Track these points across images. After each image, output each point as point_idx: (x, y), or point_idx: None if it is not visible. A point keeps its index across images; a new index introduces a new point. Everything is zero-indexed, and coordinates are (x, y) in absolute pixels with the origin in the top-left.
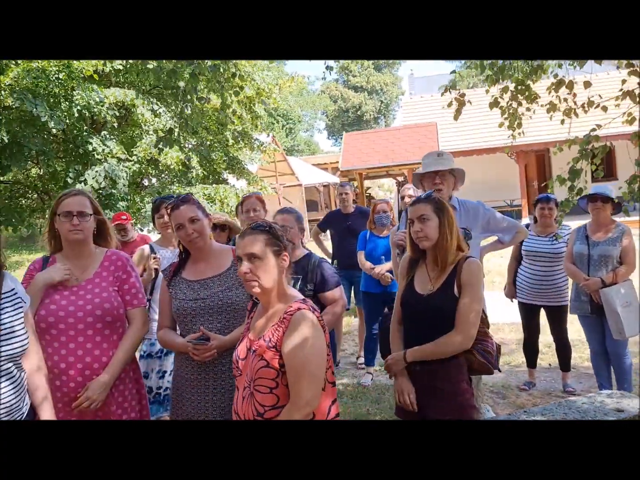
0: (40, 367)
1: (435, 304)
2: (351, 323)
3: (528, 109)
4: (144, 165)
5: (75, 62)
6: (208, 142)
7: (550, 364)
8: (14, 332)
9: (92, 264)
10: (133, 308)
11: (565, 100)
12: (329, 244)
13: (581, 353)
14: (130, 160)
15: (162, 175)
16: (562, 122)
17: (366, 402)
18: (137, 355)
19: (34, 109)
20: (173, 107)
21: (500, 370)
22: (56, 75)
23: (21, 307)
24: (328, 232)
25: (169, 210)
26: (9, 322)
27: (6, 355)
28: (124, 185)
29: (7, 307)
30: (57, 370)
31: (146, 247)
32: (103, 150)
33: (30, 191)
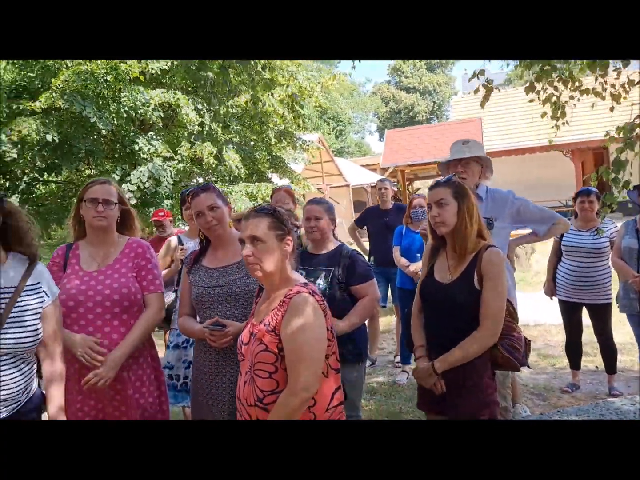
0: (58, 373)
1: (453, 294)
2: (391, 322)
3: (572, 97)
4: (188, 164)
5: (122, 64)
6: (252, 142)
7: (597, 367)
8: (23, 322)
9: (114, 251)
10: (150, 293)
11: (613, 85)
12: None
13: (632, 356)
14: (175, 160)
15: (208, 175)
16: (612, 109)
17: (400, 400)
18: (164, 344)
19: (83, 111)
20: (224, 110)
21: (529, 367)
22: (104, 77)
23: (41, 302)
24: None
25: (189, 199)
26: (19, 311)
27: (8, 344)
28: (168, 183)
29: (25, 297)
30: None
31: (174, 239)
32: (148, 149)
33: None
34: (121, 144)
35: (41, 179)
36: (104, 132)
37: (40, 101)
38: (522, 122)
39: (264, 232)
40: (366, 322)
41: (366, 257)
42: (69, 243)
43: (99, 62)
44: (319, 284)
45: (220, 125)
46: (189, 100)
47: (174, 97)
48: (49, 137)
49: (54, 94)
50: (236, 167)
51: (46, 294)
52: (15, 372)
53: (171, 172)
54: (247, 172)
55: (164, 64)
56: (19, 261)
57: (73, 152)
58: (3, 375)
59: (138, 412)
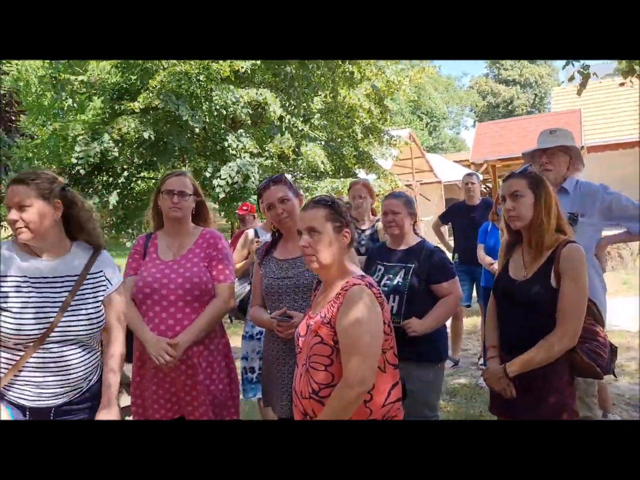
0: (117, 358)
1: (527, 292)
2: (477, 323)
3: None
4: (275, 160)
5: (213, 64)
6: (339, 138)
7: None
8: (82, 309)
9: (188, 241)
10: (219, 283)
11: None
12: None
13: None
14: (263, 156)
15: (296, 171)
16: None
17: (481, 403)
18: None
19: (177, 110)
20: (304, 104)
21: (615, 376)
22: (197, 77)
23: (103, 290)
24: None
25: (262, 192)
26: (80, 299)
27: (67, 331)
28: (255, 179)
29: (86, 285)
30: None
31: (251, 232)
32: (237, 146)
33: None
34: (212, 141)
35: (138, 175)
36: (197, 129)
37: (139, 101)
38: (624, 115)
39: (321, 223)
40: (448, 321)
41: (450, 255)
42: (149, 233)
43: (192, 62)
44: (398, 281)
45: (301, 120)
46: (276, 97)
47: (261, 95)
48: (145, 135)
49: (150, 95)
50: (322, 163)
51: (109, 282)
52: (77, 358)
53: (259, 168)
54: (333, 168)
55: (251, 63)
56: (84, 250)
57: (168, 149)
58: (65, 361)
59: (208, 397)
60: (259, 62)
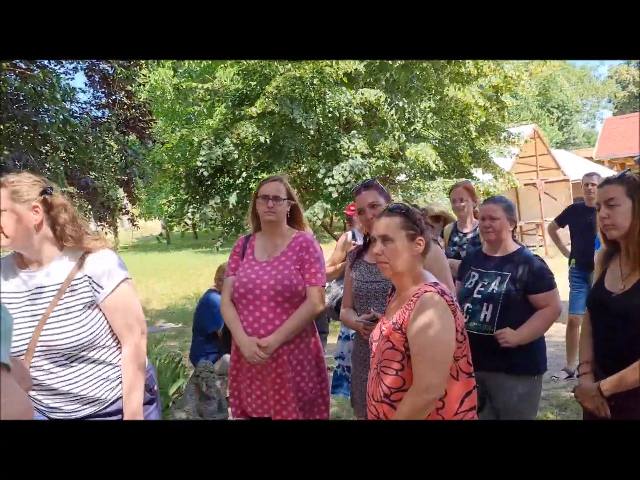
0: (128, 370)
1: (624, 305)
2: None
3: None
4: (387, 161)
5: (327, 67)
6: (454, 137)
7: None
8: (62, 322)
9: (282, 244)
10: (311, 286)
11: None
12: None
13: None
14: (374, 157)
15: (412, 171)
16: None
17: (572, 415)
18: (332, 337)
19: (291, 113)
20: (419, 103)
21: None
22: (310, 81)
23: (88, 297)
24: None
25: (354, 196)
26: (60, 310)
27: (44, 345)
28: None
29: (68, 297)
30: (247, 333)
31: (349, 234)
32: (349, 147)
33: (292, 187)
34: (325, 142)
35: (256, 176)
36: (311, 132)
37: (256, 106)
38: None
39: (394, 232)
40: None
41: (567, 260)
42: (248, 235)
43: (305, 67)
44: (492, 288)
45: (406, 121)
46: (387, 98)
47: (374, 95)
48: (262, 139)
49: (267, 100)
50: (434, 162)
51: (98, 285)
52: (74, 372)
53: (370, 169)
54: (447, 167)
55: (361, 65)
56: (73, 256)
57: (283, 152)
58: (61, 376)
59: (297, 395)
60: (363, 64)
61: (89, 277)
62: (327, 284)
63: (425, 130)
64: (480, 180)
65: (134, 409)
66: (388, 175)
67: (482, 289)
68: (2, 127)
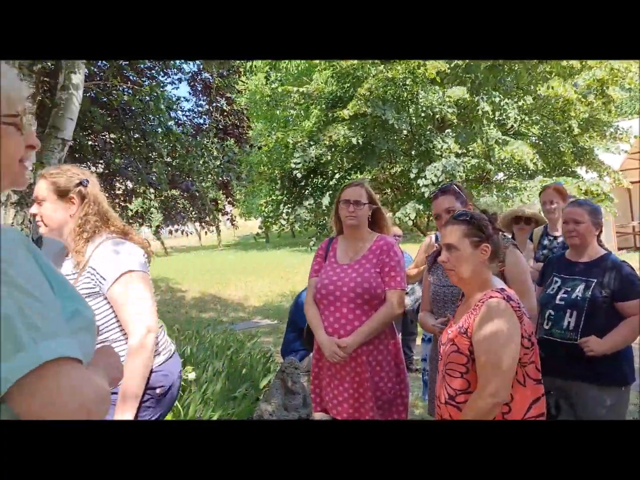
0: (130, 363)
1: None
2: None
3: None
4: (481, 160)
5: (420, 68)
6: (556, 133)
7: None
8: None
9: (363, 247)
10: (390, 289)
11: None
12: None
13: None
14: (467, 155)
15: (509, 170)
16: None
17: None
18: (419, 338)
19: (384, 114)
20: (515, 100)
21: None
22: (403, 82)
23: (91, 287)
24: None
25: (432, 200)
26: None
27: None
28: (461, 179)
29: (78, 285)
30: (328, 333)
31: (432, 237)
32: (442, 146)
33: (384, 187)
34: (418, 142)
35: (348, 177)
36: (404, 132)
37: (348, 109)
38: None
39: (458, 240)
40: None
41: None
42: (331, 237)
43: (398, 67)
44: (577, 295)
45: (494, 123)
46: (484, 95)
47: (468, 94)
48: (354, 140)
49: (359, 102)
50: (532, 161)
51: (101, 277)
52: None
53: (464, 168)
54: (547, 165)
55: (454, 63)
56: (92, 246)
57: (375, 152)
58: None
59: (376, 394)
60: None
61: (93, 268)
62: (410, 286)
63: (523, 128)
64: (583, 179)
65: (128, 398)
66: (484, 175)
67: (566, 295)
68: (114, 136)
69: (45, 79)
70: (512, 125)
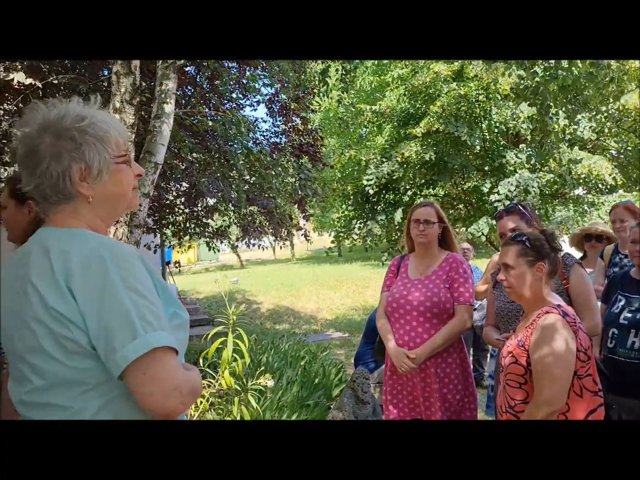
0: None
1: None
2: None
3: None
4: (557, 175)
5: (493, 85)
6: (638, 147)
7: None
8: None
9: (434, 264)
10: (459, 304)
11: None
12: None
13: None
14: (543, 171)
15: (588, 184)
16: None
17: None
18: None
19: (456, 131)
20: (588, 113)
21: None
22: (476, 98)
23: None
24: None
25: (496, 220)
26: None
27: None
28: (535, 194)
29: None
30: (398, 344)
31: (496, 255)
32: (515, 162)
33: (457, 203)
34: (490, 158)
35: (420, 193)
36: (477, 148)
37: (420, 127)
38: None
39: (513, 260)
40: None
41: None
42: (403, 254)
43: (471, 84)
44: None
45: (568, 137)
46: (556, 110)
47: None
48: (426, 157)
49: (431, 119)
50: (610, 176)
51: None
52: None
53: (539, 183)
54: (628, 179)
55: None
56: None
57: (447, 168)
58: None
59: (444, 405)
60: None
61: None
62: (478, 302)
63: (602, 142)
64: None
65: None
66: (560, 190)
67: (630, 315)
68: (197, 156)
69: (141, 110)
70: (590, 138)
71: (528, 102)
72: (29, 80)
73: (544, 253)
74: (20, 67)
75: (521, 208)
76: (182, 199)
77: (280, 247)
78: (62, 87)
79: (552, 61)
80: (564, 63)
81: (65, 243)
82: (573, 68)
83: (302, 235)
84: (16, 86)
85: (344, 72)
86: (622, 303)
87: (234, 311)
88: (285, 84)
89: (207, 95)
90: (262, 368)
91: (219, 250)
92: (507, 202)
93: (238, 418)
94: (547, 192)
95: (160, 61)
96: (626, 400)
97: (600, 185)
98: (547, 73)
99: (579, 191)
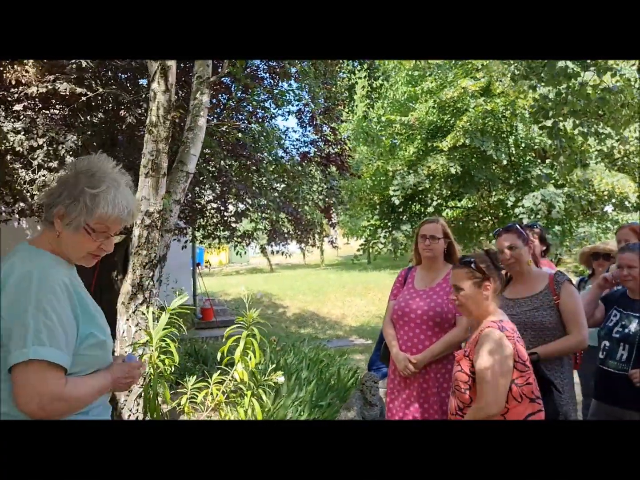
0: None
1: None
2: None
3: None
4: (582, 192)
5: (518, 99)
6: None
7: None
8: None
9: (438, 276)
10: (460, 315)
11: None
12: None
13: None
14: (568, 186)
15: (611, 201)
16: None
17: None
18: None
19: (482, 145)
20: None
21: None
22: (502, 114)
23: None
24: None
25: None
26: None
27: None
28: (560, 209)
29: None
30: (402, 350)
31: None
32: (539, 177)
33: (482, 215)
34: (516, 172)
35: (446, 205)
36: (504, 162)
37: (447, 141)
38: None
39: (461, 281)
40: None
41: None
42: (410, 267)
43: (497, 100)
44: (630, 330)
45: (601, 152)
46: (579, 125)
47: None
48: (452, 170)
49: (458, 134)
50: (634, 194)
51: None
52: None
53: (563, 198)
54: None
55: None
56: None
57: (473, 182)
58: None
59: (442, 408)
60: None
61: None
62: None
63: (627, 160)
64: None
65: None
66: (584, 205)
67: (621, 329)
68: (232, 163)
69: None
70: (618, 157)
71: (539, 125)
72: (78, 90)
73: (489, 273)
74: (64, 77)
75: (519, 227)
76: (213, 204)
77: (304, 255)
78: (106, 97)
79: (564, 85)
80: (576, 87)
81: (20, 257)
82: (586, 91)
83: (329, 242)
84: (62, 92)
85: (370, 89)
86: (616, 318)
87: (250, 313)
88: (314, 101)
89: (241, 104)
90: (274, 366)
91: (245, 253)
92: (532, 216)
93: (249, 411)
94: (571, 207)
95: (196, 75)
96: (615, 409)
97: (626, 204)
98: (558, 98)
99: (608, 208)
